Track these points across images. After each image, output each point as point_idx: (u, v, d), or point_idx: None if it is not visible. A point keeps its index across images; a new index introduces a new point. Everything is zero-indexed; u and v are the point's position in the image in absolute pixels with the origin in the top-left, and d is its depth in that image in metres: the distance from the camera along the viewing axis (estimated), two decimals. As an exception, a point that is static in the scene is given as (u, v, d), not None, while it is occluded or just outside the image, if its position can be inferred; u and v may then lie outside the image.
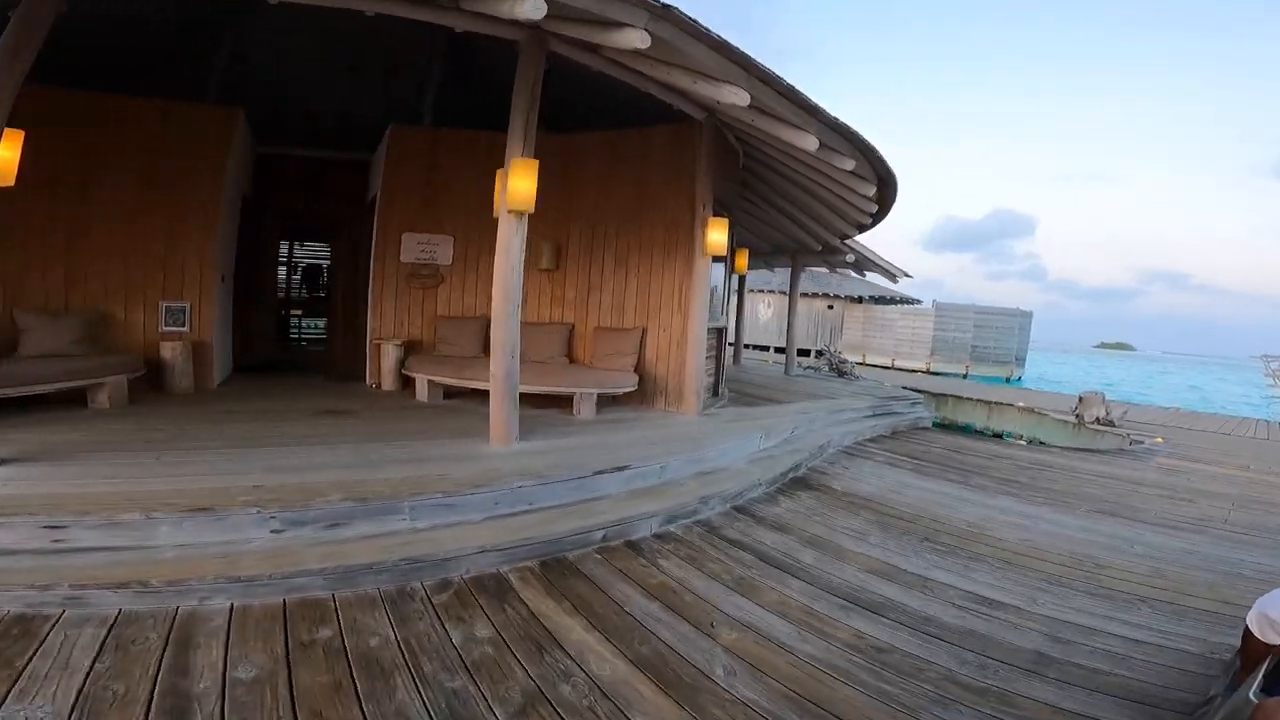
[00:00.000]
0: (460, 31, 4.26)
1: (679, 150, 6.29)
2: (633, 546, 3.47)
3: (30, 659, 2.09)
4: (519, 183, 4.30)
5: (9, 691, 1.91)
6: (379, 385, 6.79)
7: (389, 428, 5.04)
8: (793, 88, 4.39)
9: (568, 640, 2.42)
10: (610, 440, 5.07)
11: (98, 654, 2.15)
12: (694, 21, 3.73)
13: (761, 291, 22.79)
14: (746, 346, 20.45)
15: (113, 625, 2.35)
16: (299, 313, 9.78)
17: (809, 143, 4.73)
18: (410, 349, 6.87)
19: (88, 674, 2.03)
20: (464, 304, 7.03)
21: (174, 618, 2.43)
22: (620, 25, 3.60)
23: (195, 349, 6.22)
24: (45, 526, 2.88)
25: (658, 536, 3.68)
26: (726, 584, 3.07)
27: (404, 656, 2.24)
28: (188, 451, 4.07)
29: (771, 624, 2.68)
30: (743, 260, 8.62)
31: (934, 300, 24.22)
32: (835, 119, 4.79)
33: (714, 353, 7.38)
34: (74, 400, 5.17)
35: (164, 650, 2.20)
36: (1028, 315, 24.38)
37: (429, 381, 6.24)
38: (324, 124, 7.42)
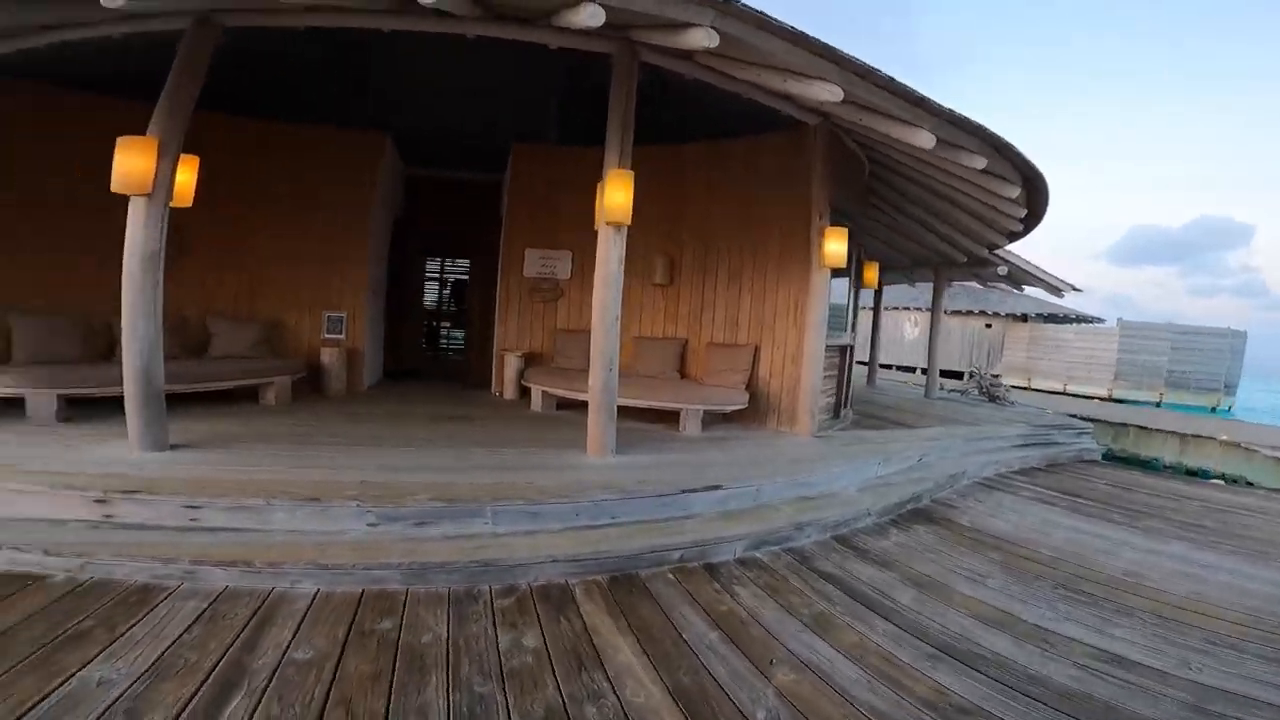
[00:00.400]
0: (555, 48, 4.44)
1: (791, 157, 6.06)
2: (711, 570, 3.33)
3: (133, 625, 2.39)
4: (615, 194, 4.34)
5: (100, 653, 2.19)
6: (502, 394, 7.16)
7: (496, 434, 5.27)
8: (893, 80, 4.07)
9: (612, 660, 2.35)
10: (709, 458, 4.94)
11: (190, 625, 2.42)
12: (761, 14, 3.60)
13: (907, 309, 21.39)
14: (888, 367, 19.26)
15: (214, 600, 2.64)
16: (447, 324, 10.59)
17: (924, 139, 4.36)
18: (531, 360, 7.18)
19: (173, 643, 2.29)
20: (581, 318, 7.23)
21: (266, 598, 2.69)
22: (686, 25, 3.55)
23: (349, 355, 6.94)
24: (186, 506, 3.31)
25: (740, 562, 3.50)
26: (802, 619, 2.84)
27: (448, 656, 2.30)
28: (319, 446, 4.53)
29: (840, 668, 2.42)
30: (872, 273, 8.11)
31: (1119, 318, 21.33)
32: (951, 111, 4.36)
33: (835, 372, 6.99)
34: (249, 396, 5.96)
35: (245, 627, 2.43)
36: (1240, 335, 20.75)
37: (543, 392, 6.47)
38: (464, 146, 8.03)
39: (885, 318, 18.72)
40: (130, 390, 4.10)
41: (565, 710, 2.03)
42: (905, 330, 21.63)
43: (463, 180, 8.59)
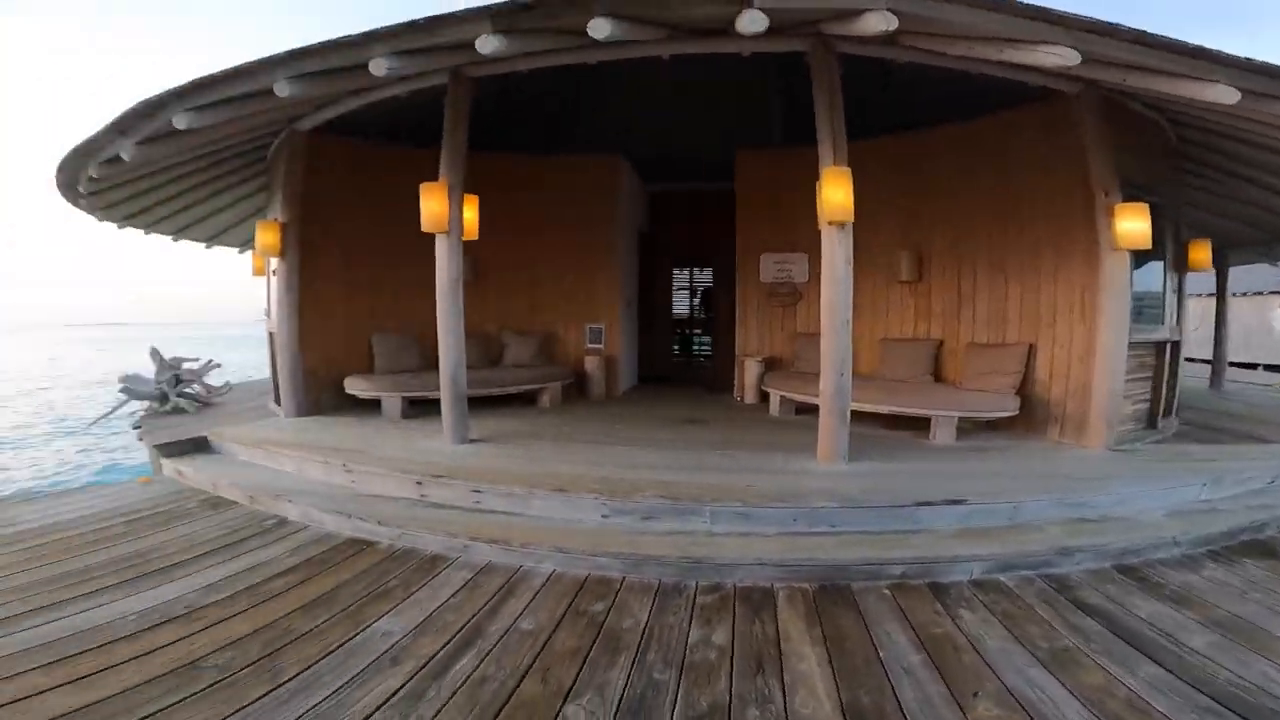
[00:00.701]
0: (749, 55, 4.49)
1: (1054, 131, 5.24)
2: (937, 589, 3.06)
3: (420, 588, 3.03)
4: (834, 193, 4.22)
5: (393, 609, 2.82)
6: (742, 399, 7.33)
7: (730, 437, 5.45)
8: (1144, 33, 3.31)
9: (792, 668, 2.32)
10: (957, 469, 4.50)
11: (455, 592, 2.99)
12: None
13: (1276, 293, 16.37)
14: (1249, 366, 15.03)
15: (478, 572, 3.23)
16: (698, 331, 11.14)
17: (1221, 94, 3.44)
18: (771, 365, 7.23)
19: (440, 605, 2.85)
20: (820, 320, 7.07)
21: (514, 573, 3.21)
22: (860, 12, 3.31)
23: (607, 362, 7.76)
24: (473, 490, 4.07)
25: (976, 584, 3.15)
26: (1036, 652, 2.46)
27: (640, 642, 2.50)
28: (576, 444, 5.19)
29: (1064, 711, 2.05)
30: (1202, 253, 6.43)
31: None
32: (1249, 60, 3.36)
33: (1147, 373, 5.78)
34: (529, 400, 7.03)
35: (493, 597, 2.94)
36: None
37: (780, 397, 6.48)
38: (697, 159, 8.43)
39: (1239, 305, 14.65)
40: (443, 394, 5.16)
41: (728, 709, 2.07)
42: (1277, 320, 16.59)
43: (700, 191, 9.07)
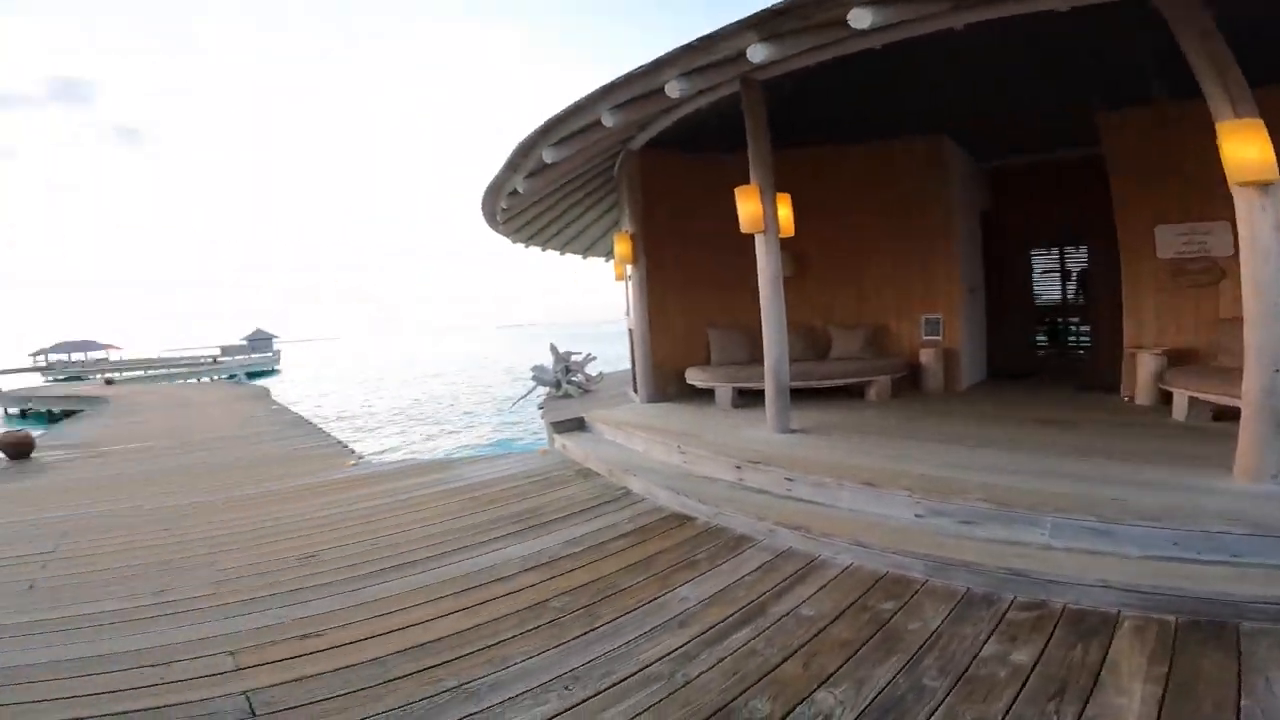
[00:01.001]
0: (1068, 10, 3.71)
1: None
2: (1396, 649, 2.11)
3: (723, 563, 3.27)
4: (1241, 149, 3.22)
5: (695, 578, 3.11)
6: (1132, 399, 5.90)
7: (1096, 444, 4.47)
8: None
9: (1103, 702, 1.87)
10: None
11: (753, 571, 3.15)
12: None
13: None
14: None
15: (776, 555, 3.34)
16: (1075, 320, 9.29)
17: None
18: (1178, 359, 5.66)
19: (735, 581, 3.03)
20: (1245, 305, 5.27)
21: (811, 561, 3.23)
22: None
23: (946, 355, 7.09)
24: (785, 478, 4.20)
25: None
26: None
27: (920, 646, 2.29)
28: (900, 439, 4.92)
29: None
30: None
31: None
32: None
33: None
34: (857, 393, 6.85)
35: (784, 580, 3.01)
36: None
37: (1189, 397, 5.03)
38: (1044, 127, 7.20)
39: None
40: (766, 385, 5.39)
41: (995, 727, 1.79)
42: None
43: (1052, 162, 7.77)
